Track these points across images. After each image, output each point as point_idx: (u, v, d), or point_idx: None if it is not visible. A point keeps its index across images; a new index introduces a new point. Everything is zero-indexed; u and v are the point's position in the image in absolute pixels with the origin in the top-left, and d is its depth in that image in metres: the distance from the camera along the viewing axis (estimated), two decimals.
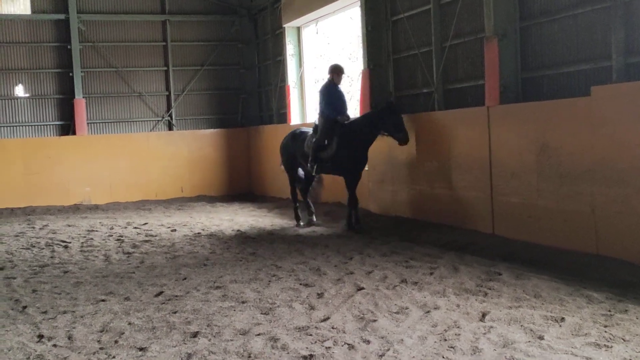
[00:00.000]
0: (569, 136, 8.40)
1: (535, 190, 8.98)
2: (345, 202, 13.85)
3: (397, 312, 6.26)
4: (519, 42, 9.94)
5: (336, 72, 11.85)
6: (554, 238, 8.64)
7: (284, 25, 17.60)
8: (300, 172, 12.73)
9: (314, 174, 12.00)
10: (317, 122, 11.92)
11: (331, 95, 11.70)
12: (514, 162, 9.36)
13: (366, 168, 12.24)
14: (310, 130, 12.29)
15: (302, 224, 12.38)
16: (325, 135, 11.56)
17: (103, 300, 7.19)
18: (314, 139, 11.76)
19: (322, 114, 11.71)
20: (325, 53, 17.40)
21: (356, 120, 11.78)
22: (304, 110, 17.88)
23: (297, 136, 12.60)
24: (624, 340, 5.24)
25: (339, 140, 11.43)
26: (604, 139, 7.85)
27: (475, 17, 10.77)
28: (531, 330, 5.54)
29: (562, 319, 5.77)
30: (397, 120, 11.02)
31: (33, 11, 18.67)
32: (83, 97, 18.87)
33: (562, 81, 9.32)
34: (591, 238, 8.08)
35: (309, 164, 11.84)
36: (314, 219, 12.43)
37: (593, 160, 8.01)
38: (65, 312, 6.76)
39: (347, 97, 15.70)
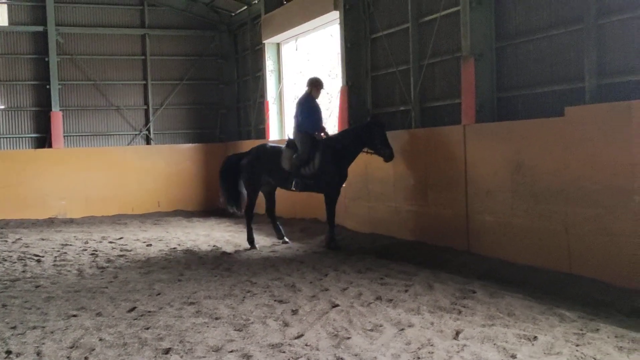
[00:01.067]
0: (543, 155, 8.48)
1: (510, 209, 9.04)
2: (322, 218, 13.88)
3: (371, 330, 6.25)
4: (495, 62, 10.05)
5: (315, 85, 11.62)
6: (528, 256, 8.69)
7: (263, 41, 17.64)
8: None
9: (293, 189, 11.52)
10: (291, 136, 11.66)
11: (310, 109, 11.46)
12: (489, 181, 9.42)
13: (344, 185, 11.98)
14: (279, 145, 12.00)
15: (257, 246, 11.70)
16: (308, 151, 11.23)
17: (74, 316, 7.10)
18: (294, 155, 11.33)
19: (300, 128, 11.40)
20: (305, 69, 17.44)
21: (339, 136, 11.59)
22: (282, 126, 17.90)
23: (266, 152, 11.91)
24: (595, 359, 5.27)
25: (322, 157, 11.14)
26: (577, 158, 7.93)
27: (452, 36, 10.87)
28: (504, 348, 5.56)
29: (535, 338, 5.79)
30: (383, 135, 10.79)
31: (10, 23, 18.57)
32: (60, 110, 18.75)
33: (536, 101, 9.42)
34: (564, 257, 8.14)
35: (292, 182, 11.36)
36: (287, 239, 12.05)
37: (566, 179, 8.08)
38: (34, 328, 6.66)
39: (326, 114, 15.80)
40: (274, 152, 11.83)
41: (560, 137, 8.19)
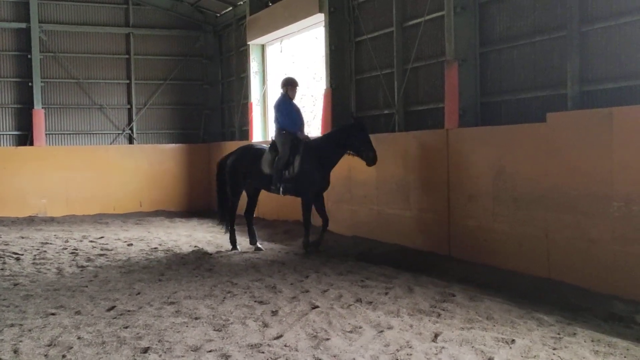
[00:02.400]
0: (524, 161, 8.54)
1: (491, 214, 9.10)
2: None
3: (350, 331, 6.26)
4: (478, 67, 10.11)
5: (289, 85, 11.36)
6: (508, 261, 8.74)
7: (248, 43, 17.63)
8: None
9: (281, 194, 11.19)
10: (274, 138, 11.35)
11: (288, 110, 11.22)
12: (472, 185, 9.47)
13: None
14: (264, 147, 11.79)
15: (238, 249, 11.52)
16: (288, 152, 10.97)
17: (53, 314, 7.06)
18: (277, 157, 11.07)
19: (282, 128, 11.13)
20: (290, 71, 17.43)
21: (320, 138, 11.38)
22: (266, 127, 17.89)
23: (248, 153, 11.68)
24: None
25: (302, 159, 10.89)
26: (557, 165, 7.99)
27: (436, 41, 10.93)
28: (482, 351, 5.59)
29: (513, 341, 5.83)
30: (366, 138, 10.51)
31: None
32: (42, 108, 18.62)
33: (519, 107, 9.49)
34: (544, 262, 8.19)
35: (273, 185, 11.08)
36: (259, 245, 11.70)
37: (547, 185, 8.14)
38: (12, 325, 6.61)
39: (310, 116, 15.77)
40: (256, 153, 11.57)
41: (542, 143, 8.25)
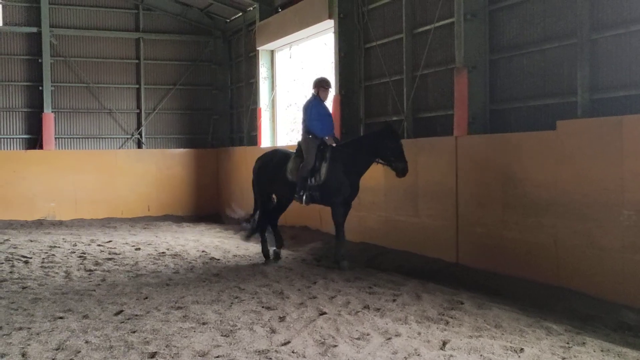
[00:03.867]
0: (534, 169, 8.51)
1: (500, 221, 9.06)
2: (312, 226, 13.87)
3: (358, 338, 6.24)
4: (488, 74, 10.09)
5: (321, 86, 10.65)
6: (517, 269, 8.70)
7: (257, 48, 17.65)
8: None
9: (304, 204, 10.45)
10: (300, 143, 10.65)
11: (318, 112, 10.48)
12: (480, 192, 9.43)
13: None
14: (291, 152, 10.98)
15: (271, 259, 10.97)
16: (313, 159, 10.24)
17: (61, 318, 7.07)
18: (301, 164, 10.37)
19: (308, 132, 10.38)
20: (299, 77, 17.46)
21: (349, 144, 10.48)
22: (274, 133, 17.89)
23: (272, 159, 11.07)
24: None
25: (329, 166, 10.14)
26: (567, 172, 7.96)
27: (446, 48, 10.91)
28: None
29: (521, 350, 5.80)
30: (398, 147, 9.82)
31: (5, 23, 18.53)
32: (52, 112, 18.68)
33: (529, 114, 9.46)
34: (553, 270, 8.15)
35: (297, 194, 10.39)
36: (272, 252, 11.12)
37: (557, 193, 8.11)
38: (20, 329, 6.63)
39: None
40: (281, 159, 10.89)
41: (551, 150, 8.22)
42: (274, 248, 11.18)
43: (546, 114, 9.14)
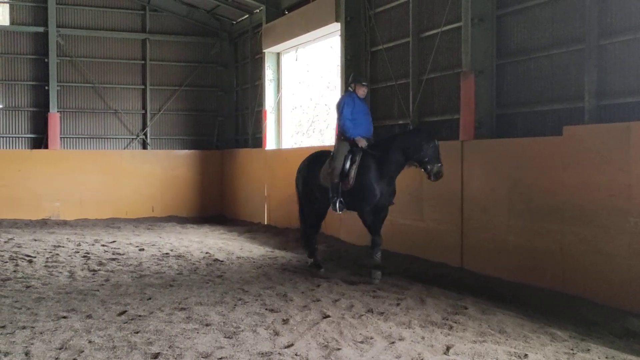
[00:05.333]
0: (540, 174, 8.48)
1: (506, 226, 9.03)
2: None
3: (361, 342, 6.22)
4: (495, 79, 10.07)
5: (357, 81, 9.90)
6: (522, 274, 8.67)
7: (264, 50, 17.66)
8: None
9: (338, 212, 9.65)
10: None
11: (351, 110, 9.68)
12: (486, 197, 9.41)
13: (393, 204, 9.82)
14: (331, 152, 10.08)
15: (323, 270, 9.97)
16: (342, 162, 9.48)
17: (64, 317, 7.05)
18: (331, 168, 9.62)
19: (340, 132, 9.69)
20: (304, 80, 17.46)
21: (379, 145, 9.52)
22: (279, 135, 17.89)
23: (315, 159, 10.31)
24: None
25: (359, 169, 9.37)
26: (574, 178, 7.93)
27: (453, 52, 10.89)
28: None
29: (525, 356, 5.77)
30: (434, 147, 8.97)
31: (12, 22, 18.58)
32: (58, 111, 18.71)
33: (535, 119, 9.43)
34: (558, 276, 8.12)
35: (331, 200, 9.63)
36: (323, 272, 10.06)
37: (563, 199, 8.08)
38: (24, 328, 6.61)
39: (323, 125, 15.70)
40: (316, 163, 10.21)
41: (558, 156, 8.19)
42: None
43: (553, 119, 9.11)
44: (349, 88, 9.96)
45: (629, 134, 7.25)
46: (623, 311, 7.09)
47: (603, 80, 8.33)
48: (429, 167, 8.93)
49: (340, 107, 9.75)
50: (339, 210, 9.59)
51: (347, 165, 9.46)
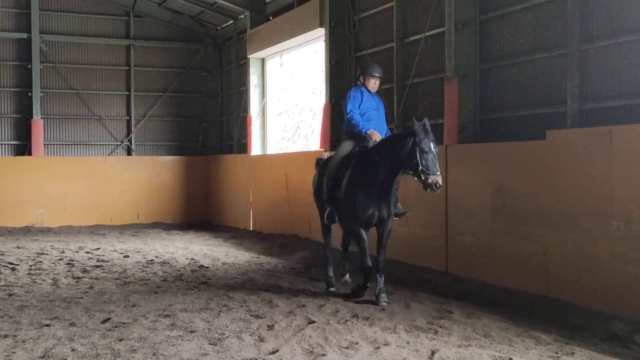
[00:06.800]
0: (523, 178, 8.51)
1: (490, 230, 9.06)
2: (301, 234, 13.79)
3: (346, 347, 6.21)
4: (478, 84, 10.11)
5: (366, 73, 8.87)
6: (506, 278, 8.69)
7: (248, 56, 17.65)
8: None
9: (326, 222, 8.70)
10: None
11: (362, 103, 8.67)
12: (470, 202, 9.43)
13: (407, 213, 8.97)
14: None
15: (333, 289, 8.91)
16: (336, 165, 8.45)
17: (47, 325, 7.00)
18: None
19: (344, 130, 8.73)
20: (289, 85, 17.47)
21: (373, 148, 8.28)
22: (265, 141, 17.87)
23: (323, 164, 9.23)
24: None
25: (349, 178, 8.20)
26: (557, 182, 7.97)
27: (436, 57, 10.93)
28: None
29: None
30: (429, 154, 7.66)
31: None
32: (41, 118, 18.60)
33: (519, 124, 9.48)
34: (542, 280, 8.15)
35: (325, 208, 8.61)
36: (348, 277, 9.44)
37: (546, 203, 8.11)
38: (6, 336, 6.55)
39: (309, 131, 15.68)
40: (323, 166, 9.16)
41: (541, 160, 8.23)
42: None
43: (536, 123, 9.16)
44: (358, 81, 8.95)
45: (610, 138, 7.30)
46: (607, 314, 7.12)
47: (585, 84, 8.38)
48: (422, 177, 7.64)
49: (345, 103, 8.70)
50: (326, 220, 8.66)
51: (342, 169, 8.37)
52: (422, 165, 7.57)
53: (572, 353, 6.03)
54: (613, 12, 8.06)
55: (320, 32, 13.97)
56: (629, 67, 7.88)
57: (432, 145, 7.65)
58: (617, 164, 7.21)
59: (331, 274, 9.09)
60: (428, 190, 7.64)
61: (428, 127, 7.75)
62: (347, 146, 8.58)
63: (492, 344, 6.31)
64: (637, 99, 7.76)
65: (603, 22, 8.18)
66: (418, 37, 11.31)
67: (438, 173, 7.61)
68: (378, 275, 8.12)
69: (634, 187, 7.01)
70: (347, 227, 8.29)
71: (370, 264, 8.21)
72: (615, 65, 8.05)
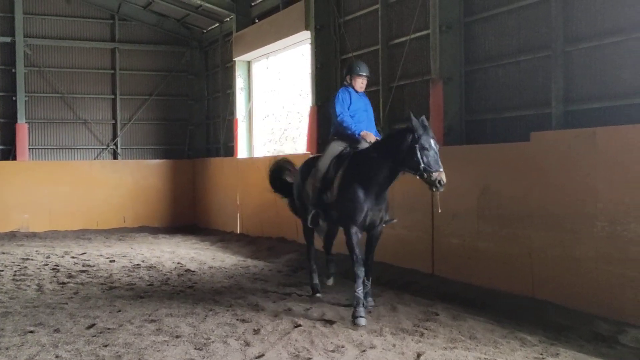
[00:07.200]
0: (509, 180, 8.53)
1: (475, 232, 9.07)
2: (288, 237, 13.77)
3: (332, 351, 6.20)
4: (463, 86, 10.13)
5: (353, 72, 8.48)
6: (492, 280, 8.70)
7: (234, 59, 17.62)
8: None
9: (309, 225, 8.34)
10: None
11: (351, 104, 8.28)
12: (456, 204, 9.43)
13: (394, 220, 8.51)
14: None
15: (319, 295, 8.78)
16: (327, 164, 8.10)
17: (31, 332, 6.94)
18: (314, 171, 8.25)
19: (334, 132, 8.32)
20: (276, 88, 17.43)
21: (369, 147, 7.92)
22: (251, 144, 17.83)
23: (312, 161, 8.73)
24: None
25: (343, 177, 7.82)
26: (542, 184, 7.99)
27: (422, 59, 10.95)
28: None
29: None
30: (431, 151, 7.29)
31: None
32: (26, 122, 18.49)
33: (504, 125, 9.50)
34: (527, 281, 8.16)
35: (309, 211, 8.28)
36: (332, 281, 9.11)
37: (531, 204, 8.13)
38: None
39: (295, 133, 15.65)
40: (307, 168, 8.73)
41: (526, 162, 8.25)
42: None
43: (521, 125, 9.19)
44: (345, 81, 8.55)
45: (595, 139, 7.32)
46: (592, 315, 7.14)
47: (569, 86, 8.42)
48: (425, 176, 7.23)
49: (333, 105, 8.27)
50: (310, 223, 8.27)
51: (332, 170, 7.98)
52: (423, 163, 7.19)
53: (557, 354, 6.05)
54: (596, 14, 8.10)
55: (305, 35, 13.97)
56: (613, 68, 7.93)
57: (432, 141, 7.28)
58: (602, 165, 7.24)
59: (316, 281, 8.91)
60: (433, 189, 7.26)
61: (427, 123, 7.44)
62: (336, 147, 8.18)
63: (477, 345, 6.32)
64: (621, 100, 7.81)
65: (587, 24, 8.22)
66: (403, 39, 11.33)
67: (441, 170, 7.20)
68: (366, 278, 7.84)
69: (619, 188, 7.04)
70: (348, 235, 7.74)
71: (362, 256, 7.85)
72: (599, 66, 8.09)
